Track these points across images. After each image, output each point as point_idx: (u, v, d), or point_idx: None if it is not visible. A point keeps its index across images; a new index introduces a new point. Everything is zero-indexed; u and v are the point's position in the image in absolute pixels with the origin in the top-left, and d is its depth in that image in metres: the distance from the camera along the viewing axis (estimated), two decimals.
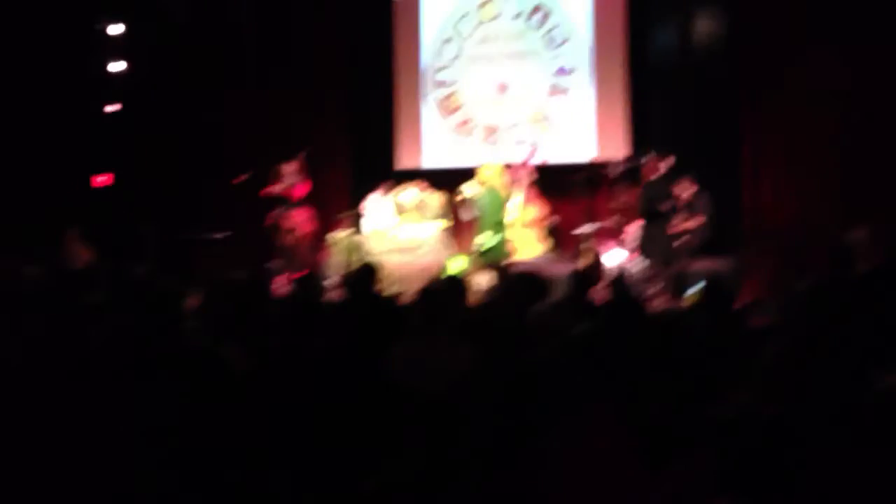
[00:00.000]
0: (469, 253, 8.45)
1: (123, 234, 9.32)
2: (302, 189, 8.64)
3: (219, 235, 9.11)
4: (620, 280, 6.09)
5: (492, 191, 7.77)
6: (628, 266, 7.68)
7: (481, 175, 7.88)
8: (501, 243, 7.71)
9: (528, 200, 8.01)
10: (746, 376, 3.33)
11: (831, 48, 7.47)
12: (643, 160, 7.86)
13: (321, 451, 2.59)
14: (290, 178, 8.63)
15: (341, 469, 2.45)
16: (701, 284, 4.25)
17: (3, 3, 8.99)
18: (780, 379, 3.02)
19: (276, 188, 8.65)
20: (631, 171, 8.02)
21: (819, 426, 2.71)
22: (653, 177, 7.44)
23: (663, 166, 7.30)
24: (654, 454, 2.63)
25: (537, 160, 8.54)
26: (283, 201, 8.62)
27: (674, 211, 7.26)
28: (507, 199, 7.87)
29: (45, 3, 9.24)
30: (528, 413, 1.96)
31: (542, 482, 1.83)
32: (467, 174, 8.34)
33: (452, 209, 8.27)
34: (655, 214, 7.23)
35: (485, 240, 7.58)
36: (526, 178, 8.14)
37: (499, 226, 7.70)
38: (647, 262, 7.37)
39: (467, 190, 7.85)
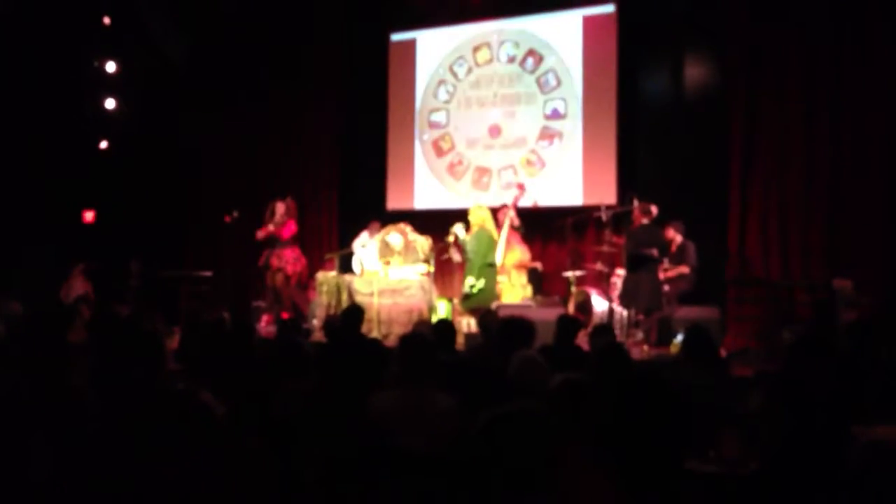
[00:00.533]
0: (452, 296, 8.42)
1: (109, 270, 9.26)
2: (290, 229, 8.64)
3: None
4: (606, 327, 6.08)
5: (482, 232, 7.76)
6: (615, 311, 7.67)
7: (472, 216, 7.89)
8: (492, 285, 7.68)
9: (511, 243, 8.00)
10: (730, 425, 3.31)
11: (823, 99, 7.57)
12: (629, 207, 7.91)
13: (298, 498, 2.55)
14: (280, 218, 8.62)
15: None
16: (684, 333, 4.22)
17: (2, 38, 9.05)
18: (763, 428, 3.00)
19: (267, 228, 8.63)
20: (617, 217, 8.06)
21: (801, 479, 2.70)
22: (637, 225, 7.53)
23: (646, 216, 7.39)
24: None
25: (526, 202, 8.55)
26: (273, 241, 8.61)
27: (659, 259, 7.28)
28: (496, 242, 7.86)
29: (42, 39, 9.30)
30: (508, 465, 1.93)
31: None
32: (458, 216, 8.35)
33: (438, 252, 8.26)
34: (638, 262, 7.29)
35: (475, 281, 7.56)
36: (509, 220, 8.14)
37: (489, 268, 7.67)
38: (630, 310, 7.38)
39: (459, 231, 7.83)
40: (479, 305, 7.20)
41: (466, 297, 7.59)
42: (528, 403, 2.06)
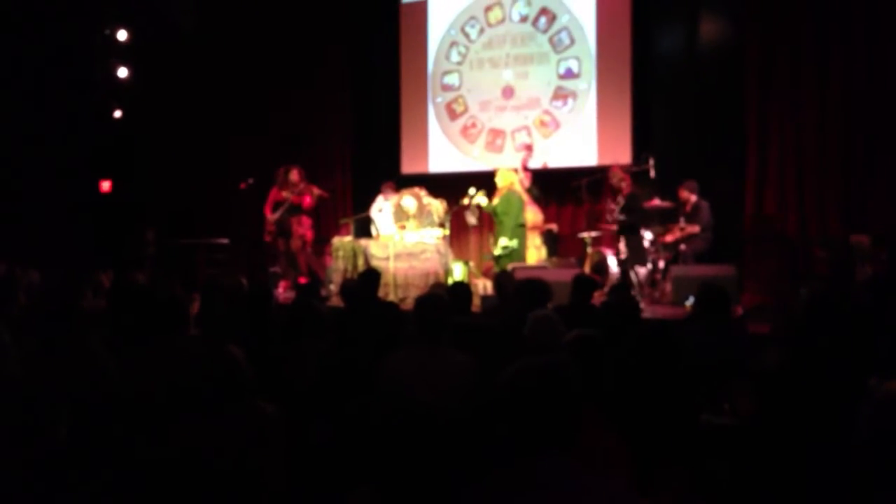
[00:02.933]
0: (468, 259, 8.45)
1: (125, 238, 9.36)
2: (310, 197, 8.65)
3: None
4: (624, 285, 6.10)
5: (512, 194, 7.82)
6: (631, 271, 7.68)
7: (500, 179, 7.91)
8: (522, 245, 7.78)
9: (526, 205, 8.02)
10: (744, 380, 3.33)
11: (838, 55, 7.45)
12: (645, 166, 7.89)
13: (314, 461, 2.59)
14: (299, 186, 8.62)
15: (334, 479, 2.45)
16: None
17: (12, 9, 9.04)
18: (779, 384, 3.01)
19: (285, 194, 8.62)
20: (634, 177, 8.03)
21: (816, 432, 2.72)
22: (626, 191, 7.62)
23: (628, 181, 7.61)
24: (644, 462, 2.63)
25: (536, 164, 8.52)
26: (293, 207, 8.61)
27: (660, 220, 7.38)
28: (525, 203, 7.91)
29: (53, 8, 9.28)
30: (522, 423, 1.94)
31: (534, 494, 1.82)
32: (472, 178, 8.34)
33: (453, 215, 8.27)
34: (630, 227, 7.45)
35: (508, 242, 7.63)
36: (519, 182, 8.15)
37: (520, 228, 7.76)
38: (635, 270, 7.53)
39: (480, 199, 7.86)
40: (510, 264, 7.29)
41: (499, 258, 7.64)
42: (555, 358, 2.06)
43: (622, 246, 7.59)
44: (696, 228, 7.33)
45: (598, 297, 5.34)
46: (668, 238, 7.44)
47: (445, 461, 2.72)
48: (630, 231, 7.55)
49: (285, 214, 8.56)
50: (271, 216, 8.58)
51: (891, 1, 7.14)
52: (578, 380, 1.93)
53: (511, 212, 7.72)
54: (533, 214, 8.08)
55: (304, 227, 8.70)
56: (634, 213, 7.56)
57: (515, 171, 8.18)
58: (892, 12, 7.13)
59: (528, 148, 8.56)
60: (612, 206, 7.79)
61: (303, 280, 8.55)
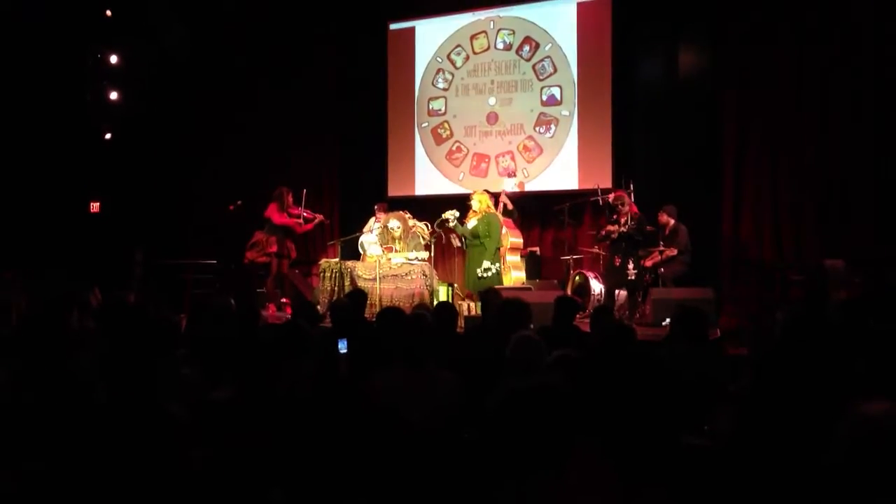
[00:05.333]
0: (452, 281, 8.52)
1: (114, 258, 9.35)
2: (308, 225, 8.75)
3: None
4: (607, 308, 6.17)
5: (492, 217, 7.95)
6: (613, 293, 7.79)
7: (479, 202, 8.02)
8: (501, 268, 7.88)
9: (504, 228, 8.12)
10: (722, 404, 3.41)
11: (814, 84, 7.64)
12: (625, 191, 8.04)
13: (304, 478, 2.63)
14: (292, 208, 8.69)
15: (323, 497, 2.49)
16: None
17: (5, 30, 9.09)
18: (756, 406, 3.09)
19: (295, 219, 8.69)
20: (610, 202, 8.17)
21: (793, 454, 2.79)
22: (633, 211, 7.81)
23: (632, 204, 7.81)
24: (629, 481, 2.69)
25: (512, 187, 8.65)
26: (287, 229, 8.67)
27: (636, 242, 7.57)
28: (502, 225, 8.02)
29: (46, 31, 9.34)
30: (508, 442, 1.99)
31: None
32: (457, 201, 8.45)
33: (438, 237, 8.36)
34: (635, 245, 7.64)
35: (490, 265, 7.74)
36: (502, 205, 8.28)
37: (497, 251, 7.89)
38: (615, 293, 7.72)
39: (452, 217, 7.97)
40: (490, 286, 7.35)
41: (482, 280, 7.72)
42: (547, 379, 2.09)
43: (630, 267, 7.64)
44: (673, 251, 7.45)
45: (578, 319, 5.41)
46: (648, 262, 7.56)
47: (433, 480, 2.77)
48: (634, 249, 7.62)
49: (283, 237, 8.62)
50: (266, 238, 8.61)
51: (866, 28, 7.34)
52: (570, 401, 1.97)
53: (493, 234, 7.86)
54: (513, 237, 8.20)
55: (291, 249, 8.80)
56: (643, 235, 7.66)
57: (492, 195, 8.28)
58: (869, 39, 7.33)
59: (510, 174, 8.70)
60: (610, 227, 7.88)
61: (287, 300, 8.59)
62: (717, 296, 7.09)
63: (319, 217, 8.88)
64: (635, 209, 7.81)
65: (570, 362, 3.07)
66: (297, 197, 8.78)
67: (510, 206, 8.37)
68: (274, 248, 8.57)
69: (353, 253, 8.61)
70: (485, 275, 7.73)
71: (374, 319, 6.59)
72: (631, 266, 7.61)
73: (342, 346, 4.41)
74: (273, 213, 8.62)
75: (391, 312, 4.40)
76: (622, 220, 7.75)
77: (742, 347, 5.36)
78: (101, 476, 2.27)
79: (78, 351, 3.47)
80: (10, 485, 2.15)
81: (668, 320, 5.87)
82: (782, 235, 7.78)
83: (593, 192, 8.43)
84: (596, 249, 8.34)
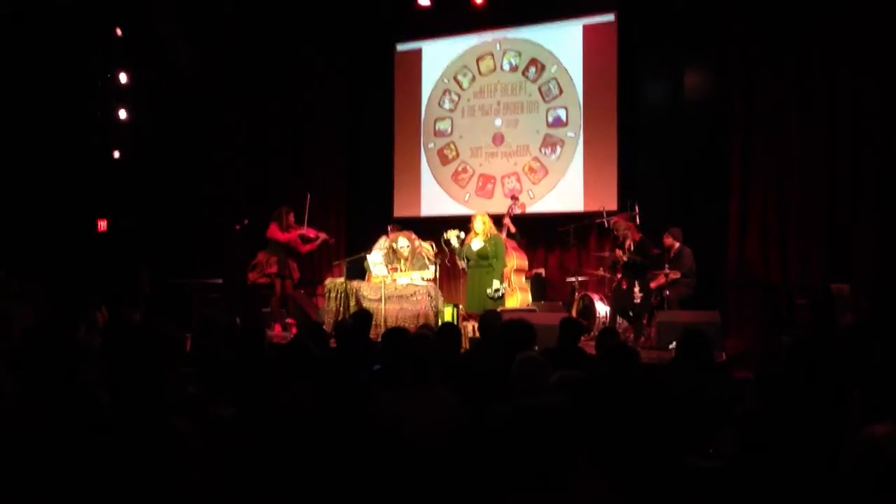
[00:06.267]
0: (458, 302, 8.53)
1: (120, 277, 9.39)
2: (310, 244, 8.78)
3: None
4: (612, 330, 6.16)
5: (497, 238, 8.01)
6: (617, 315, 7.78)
7: (482, 224, 8.06)
8: (506, 289, 7.92)
9: (508, 250, 8.15)
10: (727, 426, 3.40)
11: (820, 105, 7.65)
12: (630, 213, 8.05)
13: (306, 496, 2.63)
14: (295, 227, 8.73)
15: None
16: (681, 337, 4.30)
17: (15, 49, 9.20)
18: (761, 429, 3.08)
19: (289, 235, 8.72)
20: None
21: (798, 477, 2.78)
22: (636, 237, 7.80)
23: (633, 229, 7.80)
24: (630, 500, 2.68)
25: (517, 210, 8.67)
26: (290, 249, 8.70)
27: (642, 266, 7.57)
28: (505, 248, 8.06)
29: (55, 51, 9.45)
30: (511, 462, 1.99)
31: None
32: (463, 222, 8.48)
33: (443, 259, 8.38)
34: (641, 270, 7.64)
35: (499, 285, 7.81)
36: (506, 228, 8.31)
37: (502, 273, 7.96)
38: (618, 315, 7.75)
39: (454, 237, 8.01)
40: (497, 308, 7.38)
41: (492, 301, 7.75)
42: (551, 399, 2.10)
43: (636, 290, 7.63)
44: (677, 274, 7.44)
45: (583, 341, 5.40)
46: (652, 284, 7.55)
47: (434, 498, 2.76)
48: (640, 274, 7.63)
49: (284, 257, 8.64)
50: (266, 259, 8.63)
51: (872, 53, 7.36)
52: (573, 421, 1.97)
53: (500, 255, 7.91)
54: (518, 259, 8.22)
55: (294, 269, 8.83)
56: (647, 258, 7.67)
57: (494, 218, 8.31)
58: (875, 62, 7.34)
59: (514, 197, 8.73)
60: (618, 252, 7.88)
61: (291, 321, 8.59)
62: (723, 319, 7.06)
63: (323, 236, 8.91)
64: (636, 235, 7.80)
65: (573, 383, 3.07)
66: (300, 215, 8.81)
67: (513, 230, 8.38)
68: (274, 269, 8.59)
69: (358, 273, 8.62)
70: (495, 295, 7.78)
71: (379, 340, 6.63)
72: (637, 290, 7.60)
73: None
74: (274, 233, 8.67)
75: (395, 333, 4.42)
76: (626, 245, 7.76)
77: (747, 371, 5.34)
78: (105, 491, 2.28)
79: (84, 366, 3.48)
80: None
81: (673, 343, 5.86)
82: (788, 258, 7.75)
83: (598, 214, 8.44)
84: (601, 272, 8.34)
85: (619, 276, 7.92)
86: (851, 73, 7.48)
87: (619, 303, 7.81)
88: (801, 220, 7.68)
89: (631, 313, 7.70)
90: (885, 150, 7.28)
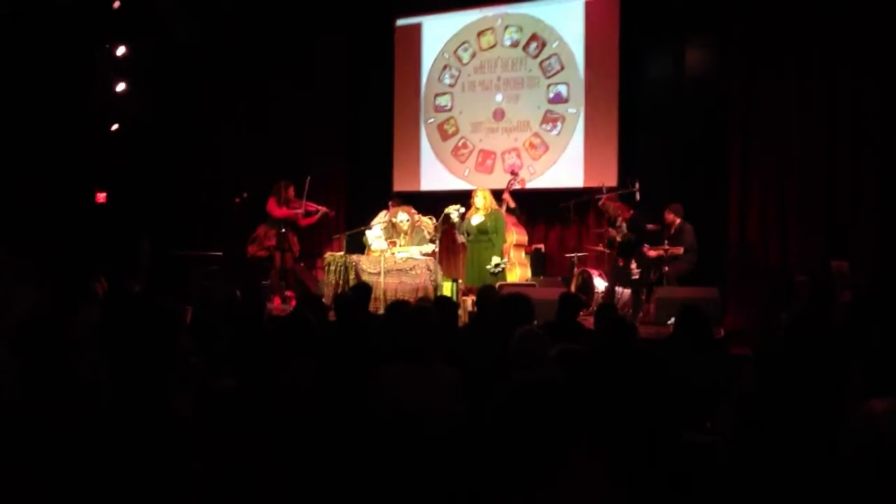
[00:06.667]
0: (457, 277, 8.55)
1: (120, 248, 9.39)
2: (310, 218, 8.78)
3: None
4: (611, 305, 6.18)
5: (497, 213, 8.01)
6: (616, 291, 7.80)
7: (483, 199, 8.04)
8: (506, 264, 7.92)
9: (508, 225, 8.15)
10: (725, 402, 3.42)
11: (821, 84, 7.62)
12: (630, 189, 8.05)
13: (308, 474, 2.64)
14: (295, 202, 8.72)
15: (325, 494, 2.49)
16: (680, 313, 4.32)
17: (11, 23, 9.11)
18: (759, 406, 3.10)
19: (295, 210, 8.71)
20: (620, 199, 8.16)
21: (796, 453, 2.80)
22: (626, 215, 7.84)
23: (623, 207, 7.86)
24: (630, 478, 2.70)
25: (517, 185, 8.66)
26: (291, 223, 8.70)
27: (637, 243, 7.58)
28: (506, 223, 8.06)
29: (53, 24, 9.36)
30: (510, 439, 1.99)
31: None
32: (462, 197, 8.47)
33: (442, 233, 8.38)
34: (635, 246, 7.68)
35: (500, 260, 7.81)
36: (505, 203, 8.31)
37: (502, 247, 7.97)
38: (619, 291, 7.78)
39: (455, 212, 8.01)
40: (497, 282, 7.41)
41: (493, 275, 7.76)
42: (549, 374, 2.10)
43: (633, 266, 7.65)
44: (679, 250, 7.45)
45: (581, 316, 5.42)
46: (652, 253, 7.54)
47: (434, 474, 2.78)
48: (633, 251, 7.65)
49: (283, 230, 8.64)
50: (265, 232, 8.64)
51: (873, 34, 7.32)
52: (572, 397, 1.98)
53: (500, 230, 7.91)
54: (517, 234, 8.22)
55: (295, 242, 8.84)
56: (641, 233, 7.69)
57: (494, 193, 8.31)
58: (875, 45, 7.31)
59: (514, 172, 8.71)
60: (612, 231, 7.89)
61: (291, 294, 8.61)
62: (722, 295, 7.09)
63: (324, 209, 8.91)
64: (627, 213, 7.82)
65: (572, 356, 3.08)
66: (300, 188, 8.80)
67: (512, 205, 8.38)
68: (272, 242, 8.61)
69: (358, 247, 8.63)
70: (496, 270, 7.79)
71: (378, 313, 6.65)
72: (634, 266, 7.62)
73: None
74: (272, 207, 8.69)
75: (397, 306, 4.41)
76: (618, 223, 7.79)
77: (746, 347, 5.36)
78: (103, 480, 2.28)
79: (82, 348, 3.47)
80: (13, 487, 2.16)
81: (672, 319, 5.88)
82: (788, 235, 7.76)
83: (598, 190, 8.43)
84: (600, 248, 8.34)
85: (615, 253, 7.94)
86: (854, 50, 7.44)
87: (617, 279, 7.84)
88: (802, 199, 7.67)
89: (629, 290, 7.71)
90: (885, 128, 7.27)
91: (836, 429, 2.48)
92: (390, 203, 8.89)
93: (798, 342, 3.52)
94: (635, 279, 7.61)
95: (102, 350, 3.60)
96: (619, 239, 7.73)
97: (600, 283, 8.08)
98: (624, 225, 7.73)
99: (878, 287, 6.30)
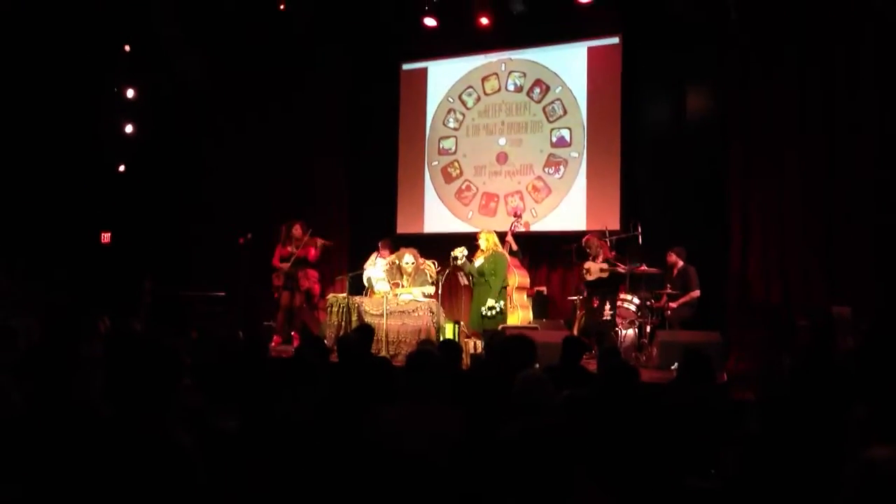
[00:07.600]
0: (459, 319, 8.53)
1: (123, 288, 9.41)
2: (314, 251, 8.79)
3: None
4: (615, 349, 6.16)
5: (499, 255, 8.01)
6: (619, 334, 7.78)
7: (486, 241, 8.07)
8: (506, 307, 7.91)
9: (510, 268, 8.16)
10: (728, 447, 3.39)
11: (819, 128, 7.69)
12: (633, 232, 8.09)
13: None
14: (303, 240, 8.74)
15: None
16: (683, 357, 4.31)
17: (24, 65, 9.28)
18: (763, 450, 3.08)
19: (286, 249, 8.73)
20: (621, 243, 8.21)
21: (797, 498, 2.77)
22: (606, 255, 7.97)
23: (605, 247, 8.01)
24: None
25: (520, 227, 8.70)
26: (300, 261, 8.72)
27: (647, 285, 7.68)
28: (509, 265, 8.06)
29: (65, 65, 9.53)
30: (511, 480, 1.99)
31: None
32: (466, 240, 8.49)
33: (446, 276, 8.39)
34: (613, 286, 7.83)
35: (494, 303, 7.78)
36: (508, 246, 8.34)
37: (503, 290, 7.93)
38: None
39: (460, 255, 8.03)
40: (496, 325, 7.37)
41: (486, 318, 7.74)
42: (552, 420, 2.11)
43: (607, 308, 7.70)
44: (696, 293, 7.53)
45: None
46: (672, 305, 7.64)
47: None
48: (612, 292, 7.68)
49: (293, 268, 8.64)
50: (280, 265, 8.67)
51: (873, 71, 7.40)
52: (575, 441, 1.99)
53: (499, 273, 7.90)
54: (520, 277, 8.23)
55: (311, 281, 8.81)
56: (617, 276, 7.82)
57: (499, 234, 8.34)
58: (875, 81, 7.38)
59: (517, 215, 8.76)
60: (587, 264, 7.99)
61: (296, 334, 8.59)
62: (725, 339, 7.06)
63: (321, 241, 8.86)
64: (609, 253, 7.92)
65: (580, 402, 3.07)
66: (306, 223, 8.84)
67: (515, 247, 8.41)
68: (280, 282, 8.63)
69: (360, 288, 8.64)
70: (489, 313, 7.75)
71: (380, 355, 6.62)
72: (608, 307, 7.67)
73: None
74: (276, 251, 8.75)
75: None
76: (598, 260, 7.86)
77: (749, 391, 5.33)
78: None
79: (85, 378, 3.48)
80: None
81: (675, 364, 5.87)
82: (790, 278, 7.74)
83: (601, 233, 8.47)
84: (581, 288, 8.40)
85: (587, 293, 8.04)
86: (850, 94, 7.52)
87: (589, 321, 7.85)
88: (803, 242, 7.68)
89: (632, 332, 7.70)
90: (885, 170, 7.30)
91: (838, 475, 2.47)
92: (380, 244, 8.92)
93: (801, 387, 3.51)
94: (606, 320, 7.67)
95: (106, 384, 3.60)
96: (589, 278, 7.84)
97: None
98: (604, 263, 7.82)
99: (880, 333, 6.27)
